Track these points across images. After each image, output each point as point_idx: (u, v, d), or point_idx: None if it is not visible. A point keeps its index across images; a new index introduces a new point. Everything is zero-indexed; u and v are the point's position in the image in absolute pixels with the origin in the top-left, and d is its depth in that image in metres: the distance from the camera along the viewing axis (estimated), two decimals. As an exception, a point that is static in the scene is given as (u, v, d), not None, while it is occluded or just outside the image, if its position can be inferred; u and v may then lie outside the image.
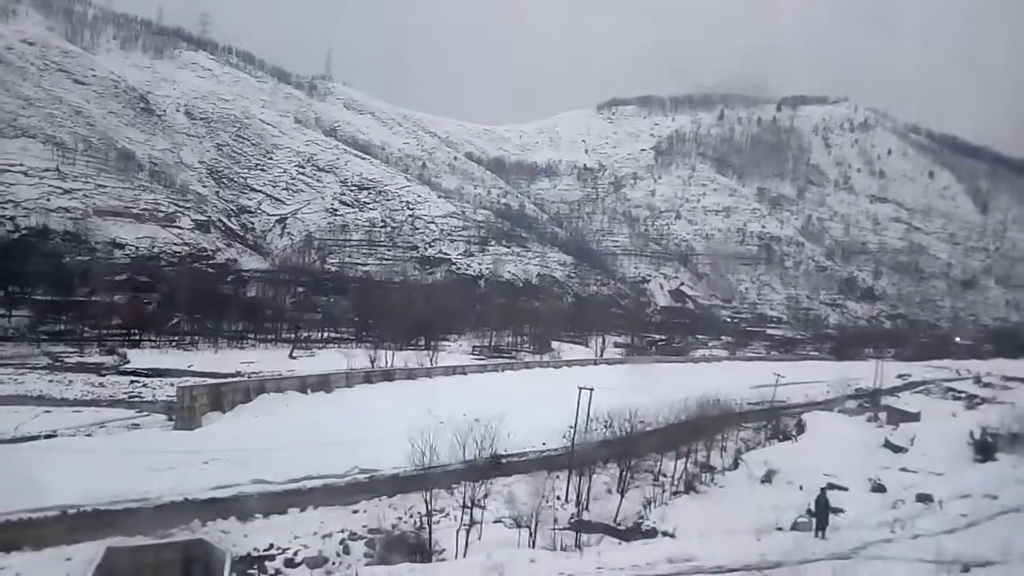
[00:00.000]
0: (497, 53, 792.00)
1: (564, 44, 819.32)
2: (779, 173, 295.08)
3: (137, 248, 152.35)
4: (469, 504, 33.35)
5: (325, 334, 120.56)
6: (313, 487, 32.92)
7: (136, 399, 62.30)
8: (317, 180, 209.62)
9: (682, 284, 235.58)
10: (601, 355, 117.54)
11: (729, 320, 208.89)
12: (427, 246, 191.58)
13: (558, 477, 38.35)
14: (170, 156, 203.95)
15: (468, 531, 29.60)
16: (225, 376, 66.90)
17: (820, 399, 74.49)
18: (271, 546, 27.54)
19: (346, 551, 27.88)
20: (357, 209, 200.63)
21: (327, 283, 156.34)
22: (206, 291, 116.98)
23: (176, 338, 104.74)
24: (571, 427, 39.85)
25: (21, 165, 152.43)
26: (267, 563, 26.52)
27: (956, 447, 44.83)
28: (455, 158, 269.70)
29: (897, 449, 48.29)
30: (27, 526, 24.75)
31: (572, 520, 33.98)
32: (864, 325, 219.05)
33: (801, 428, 59.50)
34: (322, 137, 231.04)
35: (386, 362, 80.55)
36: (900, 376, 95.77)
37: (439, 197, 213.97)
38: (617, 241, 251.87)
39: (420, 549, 28.05)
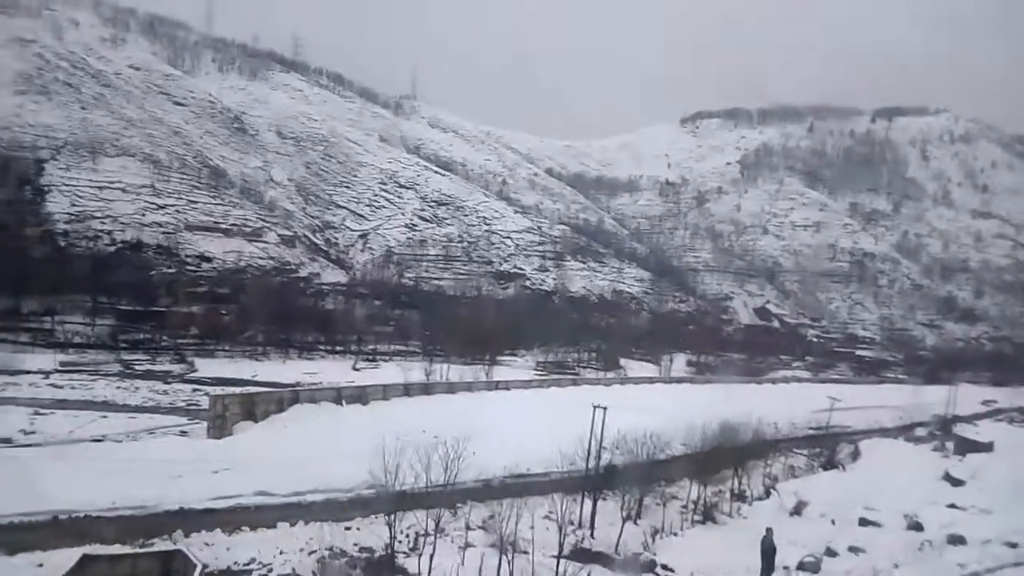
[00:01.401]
0: (580, 70, 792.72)
1: (648, 59, 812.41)
2: (873, 187, 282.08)
3: (224, 261, 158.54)
4: (466, 527, 32.64)
5: (394, 347, 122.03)
6: (314, 501, 32.76)
7: (193, 407, 64.24)
8: (398, 196, 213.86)
9: (768, 302, 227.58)
10: (669, 374, 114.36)
11: (816, 340, 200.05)
12: (502, 261, 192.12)
13: (574, 500, 36.99)
14: (261, 174, 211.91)
15: (464, 554, 28.73)
16: (285, 386, 68.32)
17: (889, 425, 69.83)
18: (252, 560, 27.38)
19: (323, 571, 27.41)
20: (435, 224, 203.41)
21: (402, 297, 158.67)
22: (282, 303, 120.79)
23: (249, 348, 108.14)
24: (599, 447, 38.35)
25: (120, 182, 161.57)
26: (242, 578, 26.33)
27: (1023, 483, 40.79)
28: (535, 174, 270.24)
29: (956, 483, 44.49)
30: (15, 530, 25.31)
31: (574, 547, 32.50)
32: (962, 347, 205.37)
33: (856, 456, 55.68)
34: (404, 155, 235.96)
35: (441, 376, 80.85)
36: (985, 402, 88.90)
37: (516, 212, 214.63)
38: (699, 257, 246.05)
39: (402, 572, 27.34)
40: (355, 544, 30.38)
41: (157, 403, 66.39)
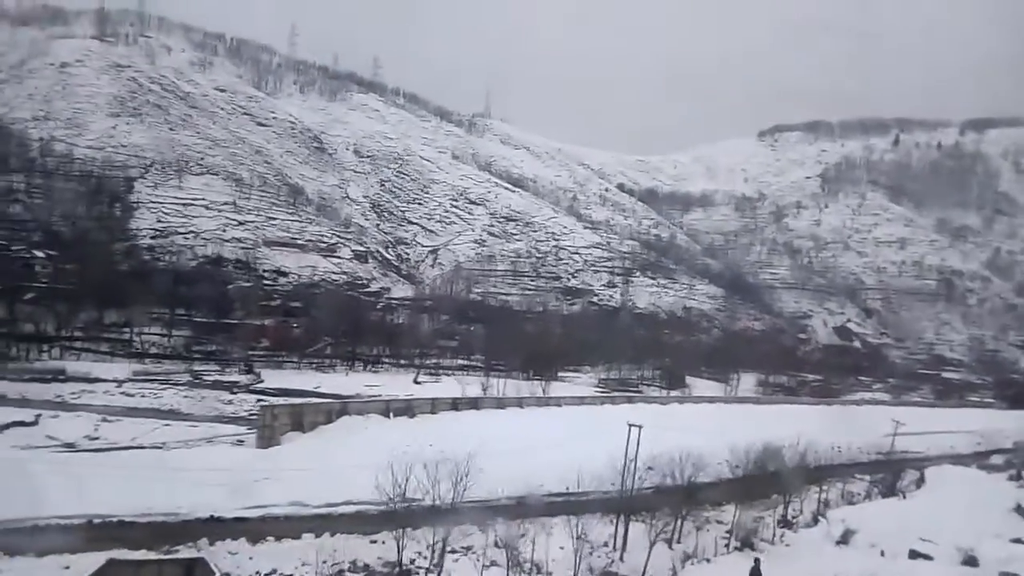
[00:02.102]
0: (653, 85, 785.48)
1: (724, 72, 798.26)
2: (962, 202, 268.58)
3: (299, 276, 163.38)
4: (496, 545, 32.34)
5: (458, 361, 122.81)
6: (344, 512, 33.16)
7: (254, 417, 66.00)
8: (468, 212, 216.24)
9: (848, 321, 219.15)
10: (736, 393, 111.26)
11: (900, 361, 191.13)
12: (570, 277, 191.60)
13: (610, 522, 36.27)
14: (338, 191, 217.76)
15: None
16: (346, 398, 69.53)
17: (965, 451, 65.90)
18: (273, 571, 27.83)
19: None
20: (504, 240, 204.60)
21: (468, 312, 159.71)
22: (351, 317, 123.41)
23: (316, 360, 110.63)
24: (632, 467, 37.56)
25: (203, 199, 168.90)
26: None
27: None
28: (606, 189, 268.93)
29: (1029, 515, 41.50)
30: (50, 531, 26.41)
31: (602, 570, 31.78)
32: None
33: (920, 483, 52.72)
34: (476, 171, 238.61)
35: (498, 390, 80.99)
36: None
37: (585, 228, 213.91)
38: (776, 274, 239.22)
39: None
40: (379, 558, 30.53)
41: (220, 412, 68.46)
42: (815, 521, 42.90)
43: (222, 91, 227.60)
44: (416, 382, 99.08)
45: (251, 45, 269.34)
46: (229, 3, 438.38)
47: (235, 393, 78.44)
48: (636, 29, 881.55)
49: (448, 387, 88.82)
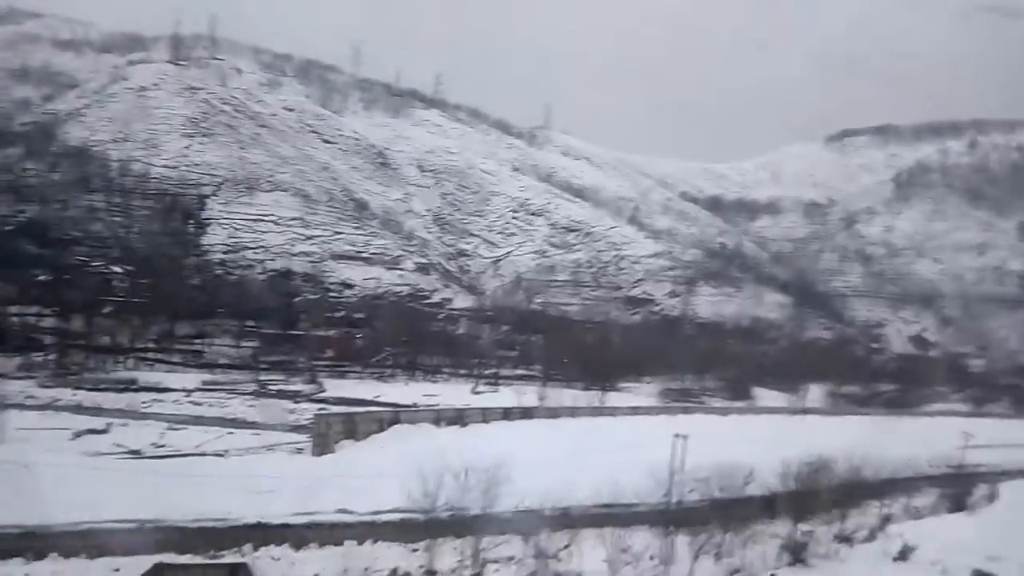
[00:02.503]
0: (718, 91, 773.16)
1: (788, 77, 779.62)
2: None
3: (364, 288, 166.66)
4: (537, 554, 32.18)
5: (517, 371, 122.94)
6: (388, 520, 33.39)
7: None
8: (529, 224, 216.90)
9: (924, 329, 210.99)
10: (803, 404, 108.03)
11: (979, 371, 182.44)
12: (631, 286, 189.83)
13: (659, 534, 35.60)
14: (401, 205, 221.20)
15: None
16: (405, 407, 70.53)
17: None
18: (315, 577, 28.34)
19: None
20: (564, 250, 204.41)
21: (529, 322, 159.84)
22: (412, 328, 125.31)
23: (378, 370, 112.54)
24: (676, 478, 36.84)
25: (272, 215, 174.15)
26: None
27: None
28: (669, 198, 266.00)
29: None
30: (102, 534, 27.51)
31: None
32: None
33: (992, 498, 50.12)
34: (535, 183, 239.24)
35: (554, 400, 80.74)
36: None
37: (646, 237, 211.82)
38: (848, 281, 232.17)
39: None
40: (420, 566, 30.74)
41: (283, 421, 70.02)
42: (873, 537, 41.21)
43: (290, 110, 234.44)
44: (475, 392, 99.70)
45: (318, 65, 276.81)
46: (296, 25, 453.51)
47: (298, 402, 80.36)
48: (694, 39, 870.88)
49: (506, 397, 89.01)
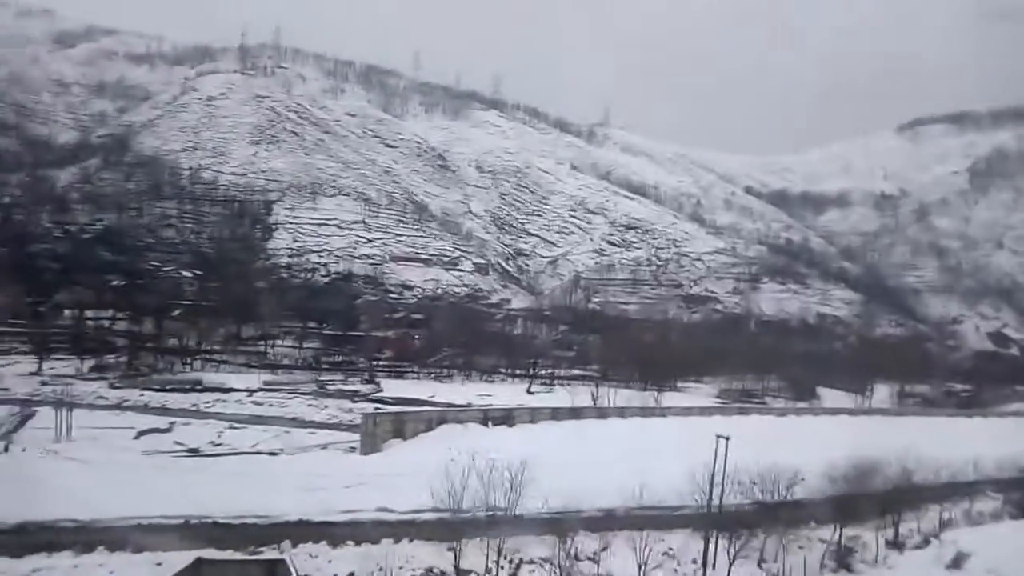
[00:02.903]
0: (783, 81, 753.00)
1: (858, 64, 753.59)
2: None
3: (423, 289, 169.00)
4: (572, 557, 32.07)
5: (574, 371, 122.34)
6: (427, 519, 33.76)
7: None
8: (587, 222, 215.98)
9: (1005, 325, 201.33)
10: (869, 404, 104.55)
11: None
12: (692, 284, 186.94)
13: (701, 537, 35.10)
14: (460, 207, 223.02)
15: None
16: (459, 407, 71.04)
17: None
18: (350, 574, 28.91)
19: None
20: (623, 249, 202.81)
21: (586, 321, 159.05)
22: (469, 328, 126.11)
23: (436, 370, 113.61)
24: (718, 480, 36.17)
25: (336, 219, 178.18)
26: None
27: None
28: (732, 193, 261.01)
29: None
30: (151, 530, 28.69)
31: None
32: None
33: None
34: (594, 181, 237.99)
35: (608, 400, 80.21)
36: None
37: (708, 234, 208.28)
38: (921, 276, 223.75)
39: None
40: (455, 565, 31.04)
41: (339, 420, 71.47)
42: (927, 543, 39.64)
43: (352, 116, 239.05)
44: (529, 392, 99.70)
45: (379, 70, 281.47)
46: (359, 32, 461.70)
47: (356, 402, 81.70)
48: (760, 27, 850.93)
49: (559, 397, 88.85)
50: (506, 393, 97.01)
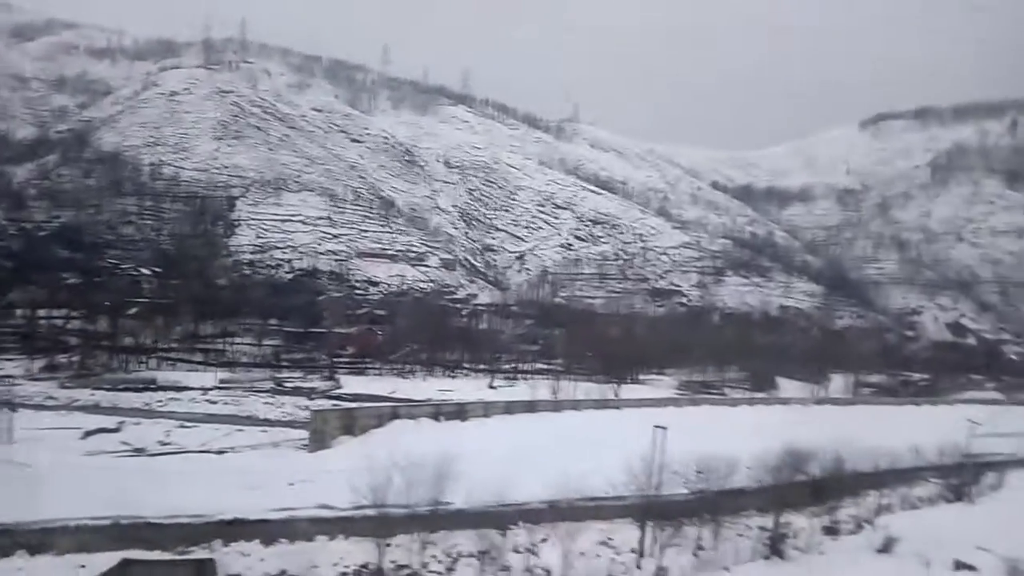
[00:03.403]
0: (748, 76, 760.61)
1: (822, 59, 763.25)
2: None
3: (389, 285, 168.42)
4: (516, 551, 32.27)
5: (537, 365, 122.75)
6: (369, 515, 33.69)
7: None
8: (555, 217, 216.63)
9: (962, 316, 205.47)
10: (827, 394, 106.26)
11: (1018, 358, 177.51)
12: (658, 278, 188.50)
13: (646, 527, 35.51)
14: (428, 202, 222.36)
15: None
16: (419, 402, 70.84)
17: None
18: (282, 572, 28.91)
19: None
20: (590, 243, 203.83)
21: (552, 316, 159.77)
22: (435, 324, 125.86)
23: (399, 367, 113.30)
24: (655, 470, 36.61)
25: (300, 215, 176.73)
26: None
27: None
28: (699, 188, 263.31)
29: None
30: (73, 532, 28.38)
31: None
32: None
33: (996, 488, 48.90)
34: (562, 176, 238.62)
35: (567, 394, 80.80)
36: None
37: (674, 228, 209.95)
38: (882, 268, 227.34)
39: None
40: (392, 561, 31.13)
41: (295, 417, 70.99)
42: (860, 528, 40.55)
43: (319, 111, 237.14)
44: (491, 387, 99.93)
45: (346, 65, 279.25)
46: (326, 26, 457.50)
47: (313, 399, 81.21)
48: (725, 23, 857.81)
49: (521, 391, 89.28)
50: (469, 388, 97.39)
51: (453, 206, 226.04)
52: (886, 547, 35.90)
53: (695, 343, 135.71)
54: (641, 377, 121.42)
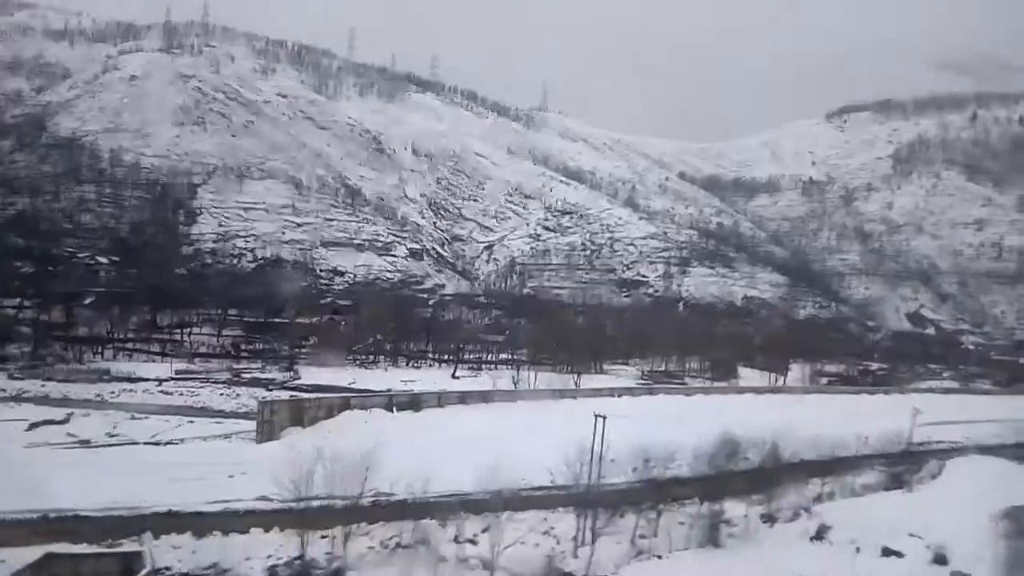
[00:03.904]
0: (716, 68, 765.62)
1: (788, 51, 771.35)
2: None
3: (355, 275, 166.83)
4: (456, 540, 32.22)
5: (501, 356, 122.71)
6: (307, 508, 33.42)
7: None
8: (523, 207, 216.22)
9: (922, 306, 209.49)
10: (784, 383, 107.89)
11: (975, 347, 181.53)
12: (625, 268, 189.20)
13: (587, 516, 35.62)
14: (396, 191, 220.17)
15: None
16: (378, 393, 70.21)
17: (1010, 441, 61.76)
18: (213, 565, 28.54)
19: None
20: (559, 234, 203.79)
21: (519, 306, 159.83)
22: (401, 314, 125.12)
23: (362, 357, 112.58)
24: (595, 460, 36.57)
25: (263, 203, 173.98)
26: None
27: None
28: (666, 178, 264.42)
29: (1033, 509, 38.84)
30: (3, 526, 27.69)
31: (549, 566, 31.35)
32: None
33: (936, 475, 49.90)
34: (531, 166, 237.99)
35: (529, 384, 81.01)
36: None
37: (641, 219, 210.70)
38: (845, 259, 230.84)
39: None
40: (328, 552, 30.89)
41: (250, 409, 69.95)
42: (796, 516, 41.10)
43: (283, 97, 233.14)
44: (454, 377, 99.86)
45: (313, 50, 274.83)
46: (291, 10, 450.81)
47: (270, 390, 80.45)
48: (692, 16, 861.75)
49: (483, 381, 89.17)
50: (432, 378, 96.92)
51: (421, 195, 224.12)
52: (819, 534, 36.40)
53: (660, 333, 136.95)
54: (605, 367, 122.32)
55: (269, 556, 29.95)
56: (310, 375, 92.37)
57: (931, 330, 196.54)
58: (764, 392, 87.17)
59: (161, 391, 75.47)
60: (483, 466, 36.47)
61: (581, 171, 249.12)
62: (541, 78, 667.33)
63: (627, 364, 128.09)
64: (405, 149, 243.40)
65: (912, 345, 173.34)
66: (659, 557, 34.29)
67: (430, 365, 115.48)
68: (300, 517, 32.26)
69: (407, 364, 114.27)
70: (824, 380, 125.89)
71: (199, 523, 30.91)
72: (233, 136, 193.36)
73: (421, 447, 39.84)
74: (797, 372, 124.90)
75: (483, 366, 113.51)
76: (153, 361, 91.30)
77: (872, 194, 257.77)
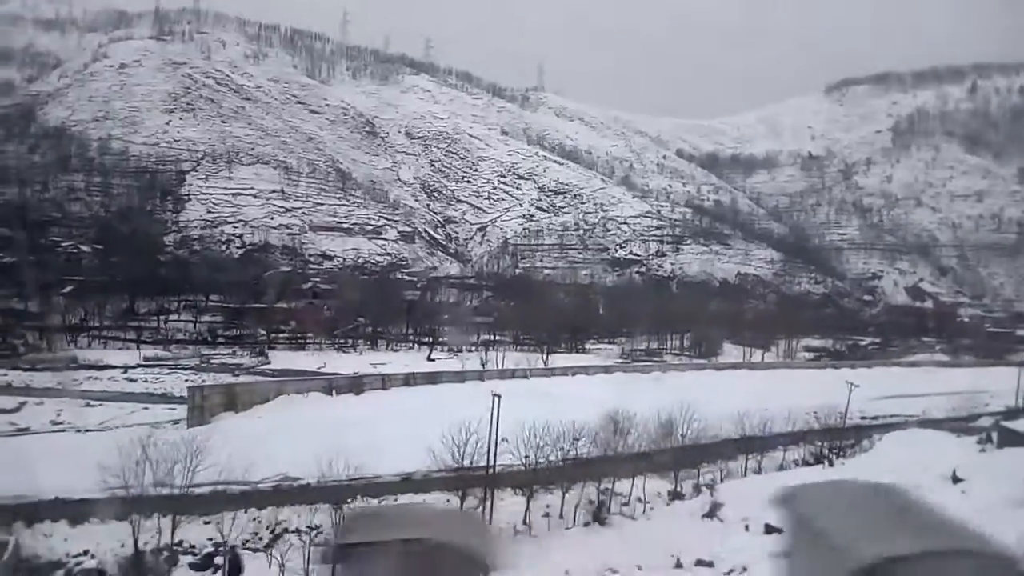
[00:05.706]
0: (713, 43, 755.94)
1: (787, 25, 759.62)
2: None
3: (344, 259, 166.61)
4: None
5: (484, 337, 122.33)
6: (201, 494, 33.21)
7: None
8: (517, 188, 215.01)
9: (921, 280, 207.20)
10: (762, 359, 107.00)
11: (973, 320, 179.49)
12: (618, 247, 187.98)
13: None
14: (389, 174, 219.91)
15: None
16: (346, 376, 70.14)
17: (964, 414, 61.02)
18: (85, 552, 28.40)
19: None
20: (552, 214, 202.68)
21: (510, 287, 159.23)
22: (386, 297, 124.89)
23: (341, 341, 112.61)
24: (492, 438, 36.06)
25: (252, 188, 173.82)
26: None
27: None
28: (664, 156, 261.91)
29: (957, 481, 38.12)
30: None
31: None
32: None
33: (867, 449, 49.27)
34: (524, 146, 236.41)
35: (496, 364, 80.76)
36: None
37: (634, 197, 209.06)
38: (844, 234, 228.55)
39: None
40: (209, 539, 30.71)
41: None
42: (697, 493, 40.57)
43: (275, 81, 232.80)
44: (429, 359, 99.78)
45: (305, 34, 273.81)
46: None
47: (237, 376, 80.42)
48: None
49: (462, 363, 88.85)
50: (407, 361, 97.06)
51: (415, 178, 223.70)
52: (712, 512, 35.88)
53: (647, 312, 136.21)
54: (588, 346, 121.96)
55: (146, 543, 29.79)
56: (283, 360, 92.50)
57: (929, 303, 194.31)
58: (742, 368, 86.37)
59: (126, 378, 75.67)
60: (350, 450, 35.69)
61: (577, 150, 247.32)
62: (537, 57, 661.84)
63: (612, 343, 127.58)
64: (398, 132, 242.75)
65: (907, 319, 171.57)
66: (533, 537, 33.79)
67: (410, 348, 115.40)
68: (196, 503, 32.11)
69: (387, 347, 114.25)
70: (809, 355, 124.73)
71: (76, 511, 30.72)
72: (223, 122, 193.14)
73: (345, 429, 39.53)
74: (781, 348, 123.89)
75: (463, 348, 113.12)
76: (127, 349, 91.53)
77: (871, 168, 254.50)
